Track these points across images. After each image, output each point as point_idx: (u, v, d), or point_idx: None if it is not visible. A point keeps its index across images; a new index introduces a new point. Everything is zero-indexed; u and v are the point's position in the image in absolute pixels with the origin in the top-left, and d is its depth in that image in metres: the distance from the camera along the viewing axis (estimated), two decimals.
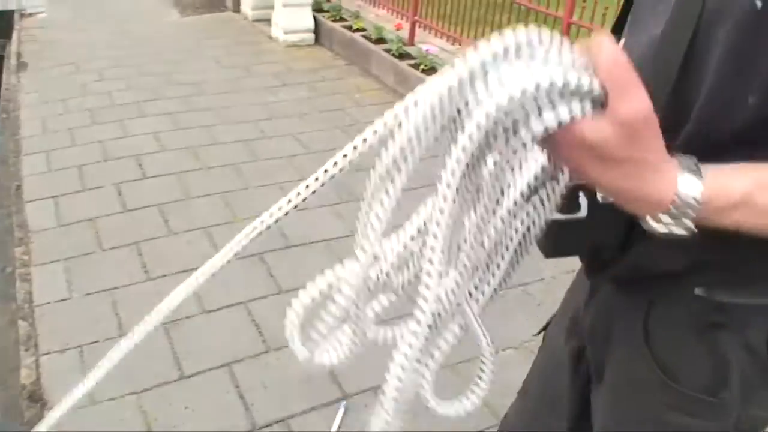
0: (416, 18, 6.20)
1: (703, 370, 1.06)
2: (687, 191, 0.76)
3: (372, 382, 2.77)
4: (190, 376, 2.76)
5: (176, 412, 2.62)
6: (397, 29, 6.35)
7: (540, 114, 0.69)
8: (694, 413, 1.08)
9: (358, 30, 6.56)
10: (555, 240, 1.06)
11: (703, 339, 1.05)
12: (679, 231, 0.80)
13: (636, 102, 0.70)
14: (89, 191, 4.10)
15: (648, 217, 0.80)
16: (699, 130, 0.87)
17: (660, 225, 0.80)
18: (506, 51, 0.67)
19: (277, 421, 2.62)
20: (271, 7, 7.10)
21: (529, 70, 0.67)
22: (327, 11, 7.07)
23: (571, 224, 1.00)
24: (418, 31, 6.26)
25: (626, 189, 0.77)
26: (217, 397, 2.70)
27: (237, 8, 7.88)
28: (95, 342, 2.93)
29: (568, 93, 0.68)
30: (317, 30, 6.96)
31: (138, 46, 6.75)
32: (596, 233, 1.04)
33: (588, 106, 0.70)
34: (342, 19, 6.90)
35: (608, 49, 0.70)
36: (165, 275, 3.34)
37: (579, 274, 1.39)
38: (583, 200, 1.01)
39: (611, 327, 1.20)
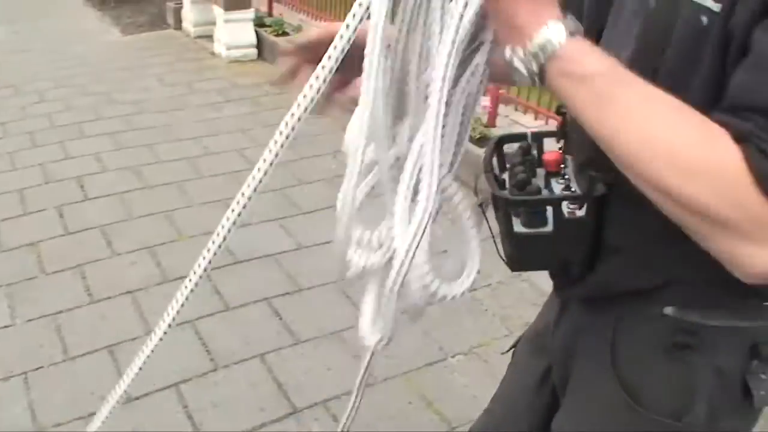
0: None
1: (669, 392, 1.07)
2: (550, 36, 0.80)
3: (321, 396, 2.77)
4: (137, 398, 2.73)
5: None
6: None
7: None
8: None
9: None
10: (522, 253, 1.07)
11: (672, 361, 1.06)
12: (524, 72, 0.83)
13: None
14: (30, 215, 4.04)
15: (508, 49, 0.84)
16: None
17: (515, 59, 0.83)
18: None
19: None
20: (213, 24, 7.06)
21: None
22: (269, 26, 7.05)
23: (538, 238, 1.01)
24: None
25: (508, 13, 0.82)
26: (165, 419, 2.67)
27: (178, 25, 7.82)
28: (40, 368, 2.89)
29: None
30: (260, 45, 6.94)
31: (79, 66, 6.66)
32: (563, 248, 1.05)
33: None
34: (284, 34, 6.89)
35: None
36: (109, 297, 3.30)
37: (551, 294, 1.41)
38: (549, 214, 1.02)
39: (578, 346, 1.21)
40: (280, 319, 3.21)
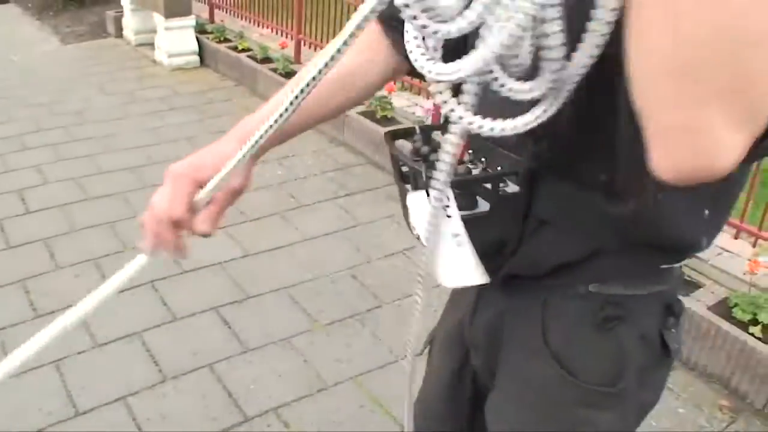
0: (301, 36, 6.21)
1: (603, 363, 1.11)
2: None
3: (272, 404, 2.77)
4: (85, 413, 2.70)
5: None
6: (282, 48, 6.35)
7: None
8: (597, 405, 1.13)
9: (243, 50, 6.53)
10: None
11: (602, 334, 1.10)
12: None
13: None
14: None
15: None
16: None
17: None
18: None
19: None
20: (154, 31, 7.00)
21: None
22: (211, 32, 7.01)
23: (476, 220, 1.03)
24: (304, 48, 6.28)
25: None
26: None
27: (119, 34, 7.74)
28: None
29: None
30: (202, 52, 6.90)
31: (18, 77, 6.56)
32: (499, 226, 1.06)
33: None
34: (226, 40, 6.86)
35: None
36: (54, 311, 3.24)
37: (458, 288, 1.43)
38: (478, 196, 1.04)
39: (504, 332, 1.22)
40: (229, 327, 3.20)
